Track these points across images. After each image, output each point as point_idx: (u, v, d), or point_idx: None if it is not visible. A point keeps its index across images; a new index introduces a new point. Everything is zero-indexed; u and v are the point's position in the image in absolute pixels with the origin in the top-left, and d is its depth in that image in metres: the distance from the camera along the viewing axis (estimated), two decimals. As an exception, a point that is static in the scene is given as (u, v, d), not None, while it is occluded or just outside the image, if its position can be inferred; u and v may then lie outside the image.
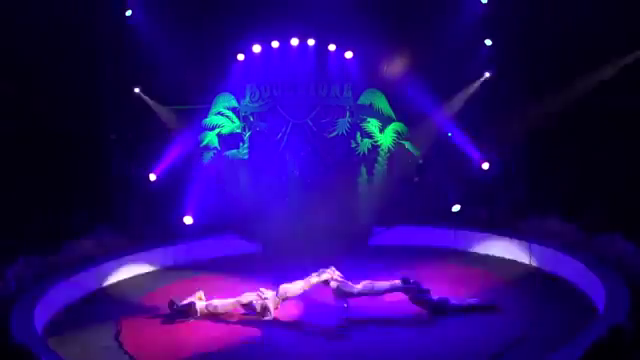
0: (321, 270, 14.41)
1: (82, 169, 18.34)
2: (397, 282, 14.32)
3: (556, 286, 15.54)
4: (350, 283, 14.29)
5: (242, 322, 14.24)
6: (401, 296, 14.44)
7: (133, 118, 19.13)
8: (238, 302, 14.45)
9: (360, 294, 14.22)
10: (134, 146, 19.15)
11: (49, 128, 18.24)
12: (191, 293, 14.81)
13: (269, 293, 14.42)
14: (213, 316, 14.39)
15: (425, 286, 14.38)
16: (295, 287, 14.42)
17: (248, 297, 14.41)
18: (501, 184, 19.00)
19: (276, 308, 14.32)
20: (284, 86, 19.22)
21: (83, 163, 18.43)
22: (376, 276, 16.15)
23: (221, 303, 14.50)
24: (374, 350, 12.92)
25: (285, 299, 14.40)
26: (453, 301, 14.25)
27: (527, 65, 18.60)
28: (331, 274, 14.30)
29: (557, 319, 13.68)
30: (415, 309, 14.26)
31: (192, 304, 14.48)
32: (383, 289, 14.29)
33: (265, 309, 14.24)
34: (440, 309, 14.10)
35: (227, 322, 14.28)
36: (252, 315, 14.32)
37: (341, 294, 14.20)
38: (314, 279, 14.39)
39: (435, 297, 14.25)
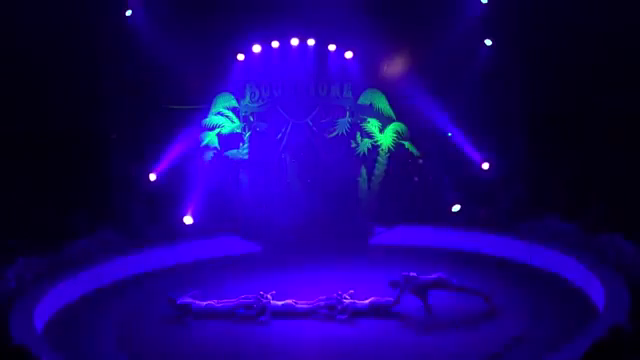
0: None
1: (82, 169, 18.35)
2: (395, 292, 14.34)
3: (556, 286, 15.54)
4: (354, 301, 14.34)
5: (241, 322, 14.24)
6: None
7: (133, 118, 19.11)
8: (237, 304, 14.44)
9: (368, 311, 14.24)
10: (134, 146, 19.14)
11: (49, 128, 18.25)
12: (190, 292, 14.86)
13: (268, 296, 14.44)
14: (211, 316, 14.39)
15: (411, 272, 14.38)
16: (300, 306, 14.49)
17: (247, 300, 14.42)
18: (501, 184, 18.99)
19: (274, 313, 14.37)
20: (284, 86, 19.22)
21: (83, 163, 18.43)
22: (376, 276, 16.22)
23: (220, 304, 14.50)
24: (373, 350, 12.93)
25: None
26: (454, 281, 14.28)
27: (527, 65, 18.60)
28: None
29: (557, 319, 13.69)
30: (414, 308, 14.25)
31: (189, 304, 14.46)
32: (391, 304, 14.28)
33: (263, 310, 14.25)
34: (441, 285, 14.16)
35: (226, 322, 14.27)
36: (251, 314, 14.31)
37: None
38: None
39: (432, 276, 14.27)
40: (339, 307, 14.19)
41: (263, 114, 19.36)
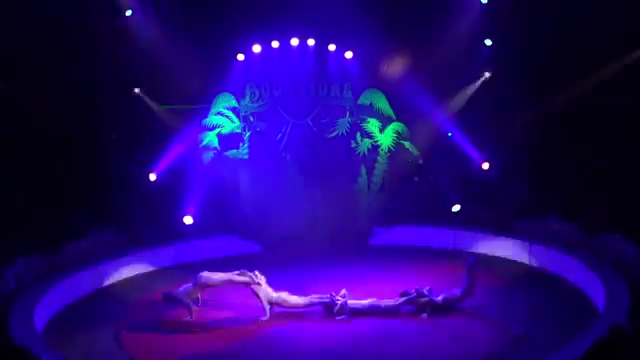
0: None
1: (82, 169, 18.34)
2: (399, 299, 14.33)
3: (556, 286, 15.55)
4: (353, 302, 14.34)
5: (241, 322, 14.25)
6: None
7: (133, 118, 19.11)
8: (232, 278, 14.51)
9: (366, 312, 14.24)
10: (134, 146, 19.14)
11: (49, 128, 18.24)
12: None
13: (262, 280, 14.51)
14: (210, 308, 14.45)
15: (426, 287, 14.38)
16: (293, 299, 14.53)
17: (243, 277, 14.46)
18: (501, 184, 18.99)
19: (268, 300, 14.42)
20: (284, 86, 19.21)
21: (83, 163, 18.43)
22: (376, 276, 16.23)
23: (213, 276, 14.53)
24: (373, 350, 12.93)
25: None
26: (458, 292, 14.28)
27: (527, 65, 18.60)
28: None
29: (557, 319, 13.69)
30: (414, 308, 14.26)
31: (187, 289, 14.46)
32: (390, 306, 14.28)
33: (258, 294, 14.33)
34: (447, 306, 14.15)
35: (226, 322, 14.29)
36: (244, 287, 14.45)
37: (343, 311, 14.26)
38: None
39: (439, 297, 14.27)
40: (335, 308, 14.19)
41: (263, 114, 19.33)
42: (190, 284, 14.52)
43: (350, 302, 14.30)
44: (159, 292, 15.44)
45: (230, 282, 14.60)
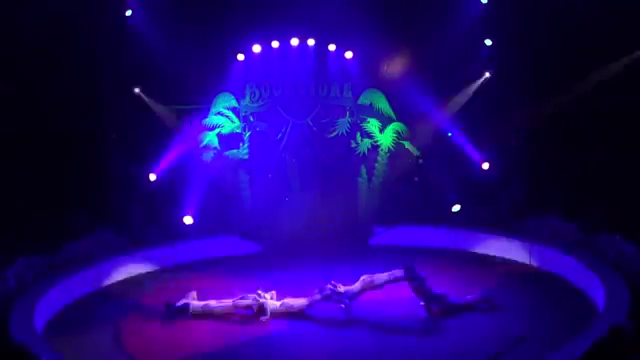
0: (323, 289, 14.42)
1: (82, 169, 18.35)
2: (397, 272, 14.35)
3: (556, 286, 15.55)
4: (347, 288, 14.31)
5: (241, 322, 14.25)
6: (400, 295, 14.46)
7: (133, 118, 19.13)
8: (235, 304, 14.45)
9: (361, 291, 14.23)
10: (134, 146, 19.15)
11: (49, 128, 18.26)
12: (188, 293, 14.87)
13: (267, 295, 14.44)
14: (210, 316, 14.38)
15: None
16: (298, 302, 14.45)
17: (245, 300, 14.41)
18: (501, 184, 19.00)
19: (273, 313, 14.34)
20: (284, 86, 19.22)
21: (83, 163, 18.44)
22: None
23: (218, 304, 14.49)
24: (374, 350, 12.92)
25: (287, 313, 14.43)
26: (452, 298, 14.27)
27: (527, 65, 18.61)
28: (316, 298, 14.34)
29: (557, 319, 13.70)
30: (415, 309, 14.26)
31: (187, 305, 14.46)
32: (383, 281, 14.31)
33: (262, 309, 14.24)
34: (437, 302, 14.13)
35: (226, 322, 14.28)
36: (249, 315, 14.31)
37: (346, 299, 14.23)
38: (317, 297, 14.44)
39: (435, 291, 14.29)
40: (336, 296, 14.16)
41: (263, 114, 19.36)
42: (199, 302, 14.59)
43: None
44: (158, 292, 15.46)
45: (231, 308, 14.50)
